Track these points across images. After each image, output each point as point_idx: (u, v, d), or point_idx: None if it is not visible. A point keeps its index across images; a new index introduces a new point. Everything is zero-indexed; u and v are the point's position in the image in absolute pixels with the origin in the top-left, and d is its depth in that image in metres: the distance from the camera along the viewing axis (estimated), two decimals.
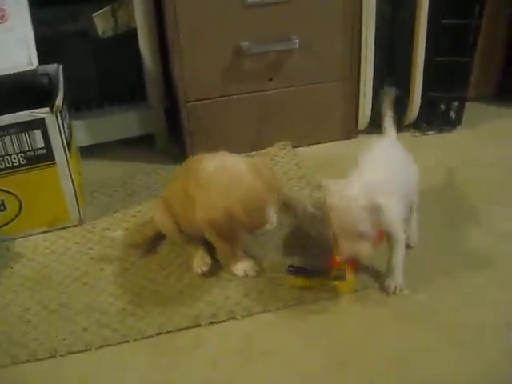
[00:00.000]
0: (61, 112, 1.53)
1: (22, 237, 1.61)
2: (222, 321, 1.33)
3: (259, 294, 1.38)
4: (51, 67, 1.71)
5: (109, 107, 1.95)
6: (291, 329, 1.31)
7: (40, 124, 1.50)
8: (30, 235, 1.62)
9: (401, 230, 1.33)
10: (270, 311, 1.34)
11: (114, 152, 1.95)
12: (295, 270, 1.39)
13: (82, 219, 1.65)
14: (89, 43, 1.88)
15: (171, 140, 1.97)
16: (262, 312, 1.34)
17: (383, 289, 1.38)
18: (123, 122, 1.92)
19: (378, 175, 1.32)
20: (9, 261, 1.54)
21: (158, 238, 1.56)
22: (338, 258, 1.35)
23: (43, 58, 1.64)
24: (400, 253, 1.35)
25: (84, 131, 1.88)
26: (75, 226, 1.65)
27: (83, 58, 1.90)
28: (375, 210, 1.25)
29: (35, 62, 1.54)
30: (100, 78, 1.94)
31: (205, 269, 1.44)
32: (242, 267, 1.44)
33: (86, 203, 1.71)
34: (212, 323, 1.32)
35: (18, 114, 1.48)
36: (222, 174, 1.35)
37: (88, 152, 1.87)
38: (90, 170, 1.83)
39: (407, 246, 1.42)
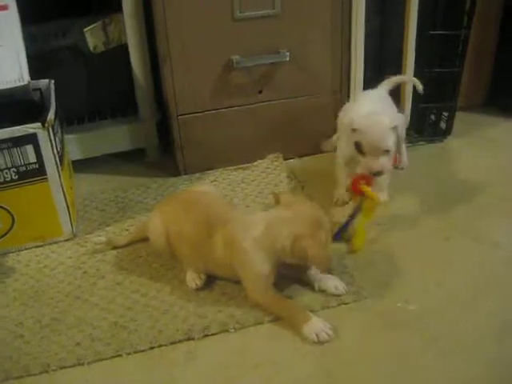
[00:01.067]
0: (53, 127, 1.54)
1: (15, 251, 1.62)
2: (215, 333, 1.33)
3: (252, 307, 1.39)
4: (43, 82, 1.73)
5: (101, 121, 1.96)
6: (284, 341, 1.31)
7: (32, 139, 1.51)
8: (23, 250, 1.62)
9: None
10: (262, 323, 1.35)
11: (106, 166, 1.96)
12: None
13: (75, 233, 1.66)
14: (80, 58, 1.89)
15: (163, 153, 1.98)
16: (254, 325, 1.34)
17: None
18: (115, 136, 1.93)
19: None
20: (1, 276, 1.54)
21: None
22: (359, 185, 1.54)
23: (35, 74, 1.64)
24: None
25: (76, 145, 1.89)
26: (68, 240, 1.65)
27: (75, 73, 1.91)
28: (395, 130, 1.52)
29: (27, 77, 1.54)
30: (92, 92, 1.95)
31: (199, 283, 1.44)
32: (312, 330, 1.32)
33: (79, 217, 1.72)
34: (205, 336, 1.32)
35: (9, 129, 1.49)
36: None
37: (80, 166, 1.88)
38: (82, 183, 1.85)
39: (401, 169, 1.79)
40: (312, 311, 1.36)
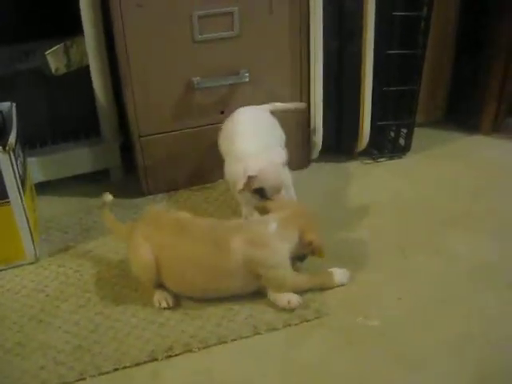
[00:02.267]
0: (14, 150, 1.54)
1: None
2: (179, 354, 1.34)
3: (215, 326, 1.40)
4: (4, 105, 1.73)
5: (63, 144, 1.95)
6: (247, 360, 1.32)
7: None
8: None
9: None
10: (226, 342, 1.36)
11: (69, 188, 1.95)
12: None
13: (38, 256, 1.65)
14: (42, 81, 1.88)
15: (127, 174, 1.99)
16: (217, 344, 1.36)
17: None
18: (78, 158, 1.93)
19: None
20: None
21: None
22: None
23: None
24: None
25: (39, 168, 1.89)
26: (31, 263, 1.65)
27: (37, 96, 1.91)
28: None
29: None
30: (54, 114, 1.95)
31: (170, 303, 1.45)
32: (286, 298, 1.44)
33: (42, 240, 1.71)
34: (169, 357, 1.33)
35: None
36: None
37: (43, 188, 1.88)
38: (45, 206, 1.85)
39: None
40: (274, 329, 1.38)
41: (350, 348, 1.34)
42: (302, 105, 1.85)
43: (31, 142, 1.91)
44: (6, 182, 1.53)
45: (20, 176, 1.57)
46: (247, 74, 1.78)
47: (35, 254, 1.65)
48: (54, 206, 1.89)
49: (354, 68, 1.90)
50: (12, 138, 1.55)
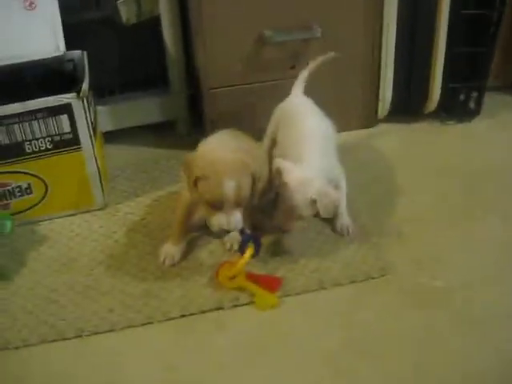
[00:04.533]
0: (87, 97, 1.56)
1: (48, 220, 1.65)
2: (244, 304, 1.36)
3: None
4: (76, 53, 1.74)
5: (132, 93, 1.97)
6: (312, 313, 1.34)
7: (67, 109, 1.53)
8: (56, 218, 1.65)
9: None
10: (291, 295, 1.37)
11: (136, 138, 1.98)
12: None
13: (106, 203, 1.68)
14: (112, 30, 1.89)
15: (193, 126, 2.00)
16: (283, 296, 1.37)
17: (335, 231, 1.55)
18: (146, 108, 1.94)
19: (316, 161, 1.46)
20: (35, 243, 1.58)
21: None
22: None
23: (68, 45, 1.66)
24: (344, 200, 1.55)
25: (107, 117, 1.91)
26: (99, 209, 1.68)
27: (107, 45, 1.92)
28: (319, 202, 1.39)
29: (62, 48, 1.56)
30: (123, 64, 1.96)
31: (168, 262, 1.47)
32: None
33: (110, 188, 1.74)
34: (234, 306, 1.35)
35: (45, 98, 1.51)
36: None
37: (111, 137, 1.90)
38: (113, 155, 1.87)
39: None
40: (339, 285, 1.39)
41: (414, 308, 1.33)
42: (330, 54, 1.73)
43: (100, 91, 1.93)
44: (78, 128, 1.56)
45: (92, 123, 1.59)
46: (320, 29, 1.76)
47: (104, 201, 1.68)
48: (122, 155, 1.91)
49: (427, 26, 1.85)
50: (85, 85, 1.56)
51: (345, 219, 1.54)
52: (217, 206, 1.34)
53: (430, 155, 1.85)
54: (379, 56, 1.87)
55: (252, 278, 1.38)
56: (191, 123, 2.01)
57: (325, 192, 1.39)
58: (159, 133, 1.99)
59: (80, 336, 1.31)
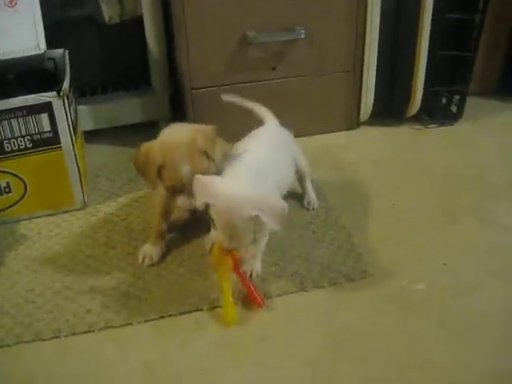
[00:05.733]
0: (67, 96, 1.55)
1: (27, 219, 1.63)
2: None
3: (261, 281, 1.40)
4: (57, 52, 1.73)
5: (113, 93, 1.96)
6: (292, 315, 1.33)
7: (47, 108, 1.51)
8: (35, 218, 1.63)
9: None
10: (271, 297, 1.36)
11: (117, 137, 1.97)
12: None
13: (86, 203, 1.67)
14: (95, 29, 1.89)
15: None
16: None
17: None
18: (127, 108, 1.93)
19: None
20: (13, 243, 1.56)
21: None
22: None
23: (49, 43, 1.64)
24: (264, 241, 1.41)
25: (88, 116, 1.90)
26: (79, 209, 1.67)
27: (89, 44, 1.91)
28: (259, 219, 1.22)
29: (43, 46, 1.54)
30: (105, 63, 1.96)
31: (148, 262, 1.47)
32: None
33: (90, 187, 1.73)
34: (213, 308, 1.34)
35: (25, 97, 1.49)
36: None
37: (92, 137, 1.89)
38: (93, 154, 1.86)
39: (308, 210, 1.62)
40: (320, 287, 1.38)
41: (394, 310, 1.33)
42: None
43: (81, 91, 1.92)
44: (58, 127, 1.54)
45: (72, 122, 1.58)
46: (303, 31, 1.76)
47: (84, 201, 1.66)
48: (103, 155, 1.90)
49: (410, 30, 1.86)
50: (66, 84, 1.55)
51: (311, 196, 1.63)
52: (179, 189, 1.35)
53: (411, 158, 1.86)
54: (362, 58, 1.87)
55: (240, 276, 1.36)
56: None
57: (265, 202, 1.22)
58: (140, 133, 1.97)
59: (57, 337, 1.29)
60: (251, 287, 1.35)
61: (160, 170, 1.34)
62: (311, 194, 1.64)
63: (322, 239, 1.52)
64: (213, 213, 1.24)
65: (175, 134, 1.41)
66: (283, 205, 1.23)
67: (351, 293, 1.38)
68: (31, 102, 1.50)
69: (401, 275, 1.42)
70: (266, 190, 1.29)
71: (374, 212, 1.62)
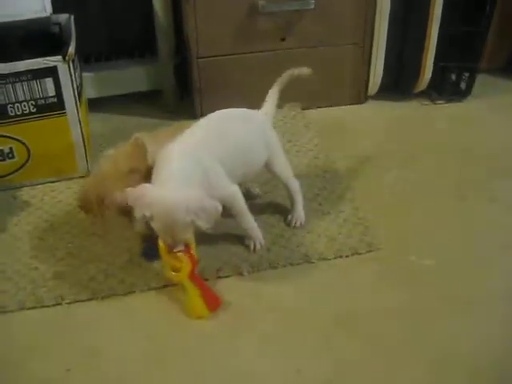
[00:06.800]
0: (73, 61, 1.52)
1: (29, 185, 1.61)
2: (228, 276, 1.34)
3: (266, 251, 1.39)
4: (62, 17, 1.69)
5: (118, 61, 1.93)
6: (298, 286, 1.32)
7: (52, 72, 1.49)
8: (37, 184, 1.62)
9: (238, 199, 1.34)
10: (275, 268, 1.35)
11: (121, 106, 1.94)
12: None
13: (90, 170, 1.65)
14: None
15: (179, 98, 1.96)
16: (267, 268, 1.35)
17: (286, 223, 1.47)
18: (132, 77, 1.91)
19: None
20: (16, 209, 1.54)
21: None
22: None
23: (55, 8, 1.62)
24: (245, 217, 1.37)
25: (92, 84, 1.87)
26: (82, 177, 1.64)
27: (94, 9, 1.88)
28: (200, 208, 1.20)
29: (49, 9, 1.51)
30: (110, 30, 1.92)
31: None
32: None
33: (93, 155, 1.71)
34: (218, 277, 1.33)
35: (30, 61, 1.47)
36: None
37: (96, 105, 1.86)
38: (97, 123, 1.83)
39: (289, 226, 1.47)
40: (325, 259, 1.37)
41: (402, 284, 1.32)
42: (304, 70, 1.53)
43: (86, 57, 1.89)
44: (63, 92, 1.52)
45: (77, 88, 1.55)
46: (313, 1, 1.73)
47: (87, 168, 1.64)
48: (105, 123, 1.88)
49: (422, 3, 1.82)
50: (71, 49, 1.52)
51: (255, 236, 1.41)
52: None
53: (420, 133, 1.83)
54: (372, 32, 1.84)
55: (195, 280, 1.27)
56: (177, 94, 1.97)
57: (199, 205, 1.20)
58: (144, 102, 1.95)
59: (60, 304, 1.28)
60: (207, 287, 1.28)
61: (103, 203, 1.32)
62: (296, 207, 1.48)
63: (328, 211, 1.51)
64: (152, 222, 1.20)
65: (105, 166, 1.38)
66: (216, 206, 1.21)
67: (357, 266, 1.36)
68: (36, 67, 1.47)
69: (408, 250, 1.40)
70: (203, 181, 1.26)
71: (381, 186, 1.60)
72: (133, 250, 1.40)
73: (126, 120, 1.90)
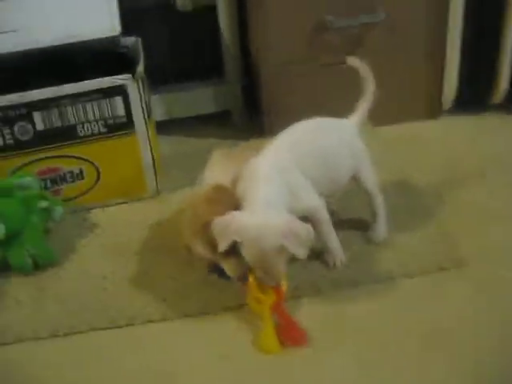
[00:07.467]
0: (142, 79, 1.50)
1: (99, 207, 1.59)
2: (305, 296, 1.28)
3: (345, 268, 1.33)
4: (130, 40, 1.68)
5: (186, 83, 1.90)
6: (380, 304, 1.25)
7: (121, 91, 1.47)
8: (107, 206, 1.59)
9: (323, 212, 1.27)
10: (356, 286, 1.29)
11: (189, 128, 1.90)
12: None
13: (159, 191, 1.62)
14: (168, 17, 1.84)
15: (248, 117, 1.93)
16: (348, 286, 1.29)
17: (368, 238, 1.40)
18: (200, 98, 1.88)
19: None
20: (85, 230, 1.52)
21: None
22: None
23: (122, 31, 1.61)
24: (328, 231, 1.31)
25: (160, 106, 1.85)
26: (151, 197, 1.62)
27: (161, 32, 1.87)
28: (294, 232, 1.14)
29: (118, 28, 1.50)
30: (178, 52, 1.91)
31: None
32: None
33: (162, 176, 1.67)
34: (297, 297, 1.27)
35: (99, 79, 1.46)
36: None
37: (164, 128, 1.83)
38: (165, 145, 1.79)
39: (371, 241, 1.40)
40: (409, 276, 1.30)
41: (492, 302, 1.23)
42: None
43: (153, 80, 1.87)
44: (133, 111, 1.50)
45: (147, 106, 1.54)
46: (383, 14, 1.67)
47: (157, 189, 1.62)
48: (174, 145, 1.84)
49: (495, 11, 1.75)
50: (140, 67, 1.51)
51: (336, 251, 1.34)
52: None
53: (498, 147, 1.73)
54: (444, 43, 1.77)
55: (280, 313, 1.21)
56: (246, 114, 1.94)
57: (291, 230, 1.14)
58: (213, 123, 1.92)
59: (132, 324, 1.25)
60: (293, 322, 1.21)
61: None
62: (379, 224, 1.41)
63: (409, 227, 1.43)
64: (242, 250, 1.16)
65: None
66: (308, 229, 1.16)
67: (444, 282, 1.29)
68: (105, 85, 1.46)
69: (499, 265, 1.32)
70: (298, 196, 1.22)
71: (463, 204, 1.52)
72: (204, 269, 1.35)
73: (195, 142, 1.85)
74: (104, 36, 1.49)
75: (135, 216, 1.56)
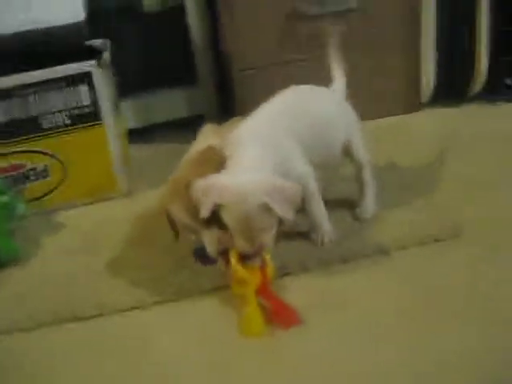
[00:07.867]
0: (108, 68, 1.43)
1: (66, 208, 1.49)
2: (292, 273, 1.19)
3: (336, 245, 1.24)
4: (99, 42, 1.62)
5: (155, 88, 1.84)
6: (374, 279, 1.17)
7: (86, 78, 1.40)
8: (74, 206, 1.49)
9: (311, 181, 1.19)
10: (347, 262, 1.20)
11: (162, 133, 1.83)
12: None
13: (131, 191, 1.53)
14: (135, 19, 1.80)
15: (223, 119, 1.86)
16: (337, 263, 1.20)
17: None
18: (172, 103, 1.82)
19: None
20: (52, 230, 1.42)
21: None
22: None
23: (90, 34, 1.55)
24: (317, 205, 1.23)
25: (133, 113, 1.79)
26: (123, 196, 1.53)
27: (130, 34, 1.82)
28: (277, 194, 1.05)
29: (82, 14, 1.44)
30: (146, 56, 1.85)
31: None
32: None
33: (134, 176, 1.58)
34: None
35: (63, 66, 1.40)
36: None
37: (136, 134, 1.76)
38: (138, 150, 1.72)
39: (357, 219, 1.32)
40: (403, 248, 1.22)
41: (492, 270, 1.15)
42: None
43: (123, 87, 1.81)
44: (99, 100, 1.43)
45: (114, 99, 1.46)
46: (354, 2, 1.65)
47: (127, 187, 1.53)
48: (146, 150, 1.77)
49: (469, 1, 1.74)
50: (106, 54, 1.45)
51: (324, 227, 1.25)
52: None
53: (480, 137, 1.66)
54: (419, 34, 1.74)
55: (267, 296, 1.11)
56: (220, 116, 1.87)
57: (275, 188, 1.06)
58: (187, 128, 1.84)
59: (101, 315, 1.15)
60: (282, 303, 1.12)
61: None
62: (367, 199, 1.33)
63: (400, 202, 1.36)
64: (224, 215, 1.06)
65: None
66: (294, 187, 1.08)
67: (439, 253, 1.20)
68: (69, 72, 1.40)
69: (495, 236, 1.24)
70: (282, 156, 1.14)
71: (452, 177, 1.47)
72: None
73: (168, 147, 1.76)
74: (67, 23, 1.42)
75: (105, 214, 1.47)
